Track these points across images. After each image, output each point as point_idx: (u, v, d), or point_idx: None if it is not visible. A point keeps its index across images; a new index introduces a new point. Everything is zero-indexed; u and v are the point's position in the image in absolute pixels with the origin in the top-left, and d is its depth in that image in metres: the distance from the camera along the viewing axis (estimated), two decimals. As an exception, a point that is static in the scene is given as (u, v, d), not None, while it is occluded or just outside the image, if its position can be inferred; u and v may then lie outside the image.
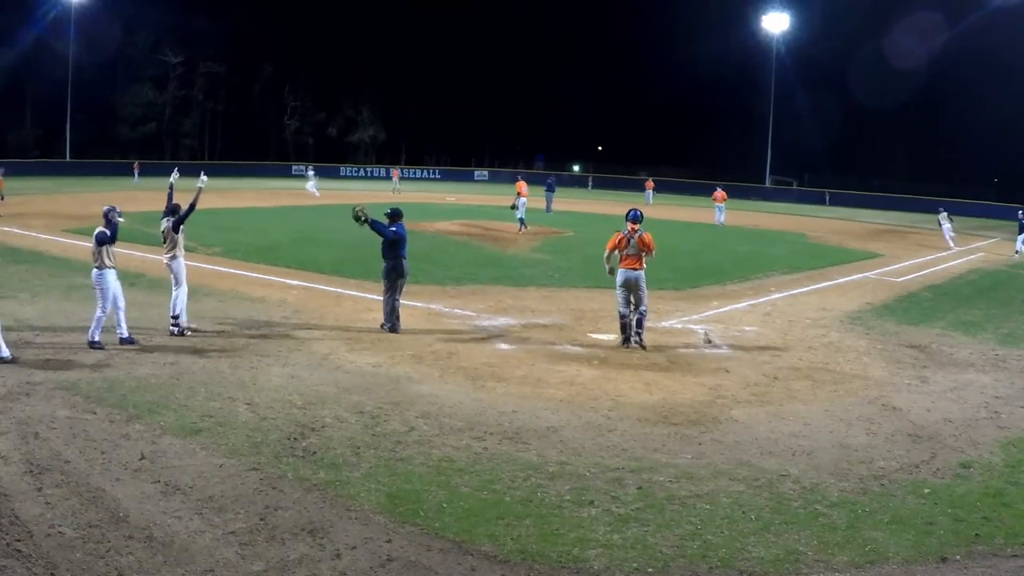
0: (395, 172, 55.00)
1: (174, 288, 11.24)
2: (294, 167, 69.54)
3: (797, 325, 13.63)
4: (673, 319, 13.67)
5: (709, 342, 11.99)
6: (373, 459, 6.94)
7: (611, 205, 41.45)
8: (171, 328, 11.07)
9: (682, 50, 67.64)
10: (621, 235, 11.60)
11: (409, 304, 12.74)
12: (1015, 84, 57.82)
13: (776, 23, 63.81)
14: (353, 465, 6.79)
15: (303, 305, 13.46)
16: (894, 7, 61.85)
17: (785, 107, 64.44)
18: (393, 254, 11.87)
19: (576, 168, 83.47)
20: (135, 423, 7.52)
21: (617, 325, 11.77)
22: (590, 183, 67.70)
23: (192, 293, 11.96)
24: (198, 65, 71.57)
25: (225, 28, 67.46)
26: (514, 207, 28.31)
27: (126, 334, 10.40)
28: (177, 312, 11.14)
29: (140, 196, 29.67)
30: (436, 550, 5.45)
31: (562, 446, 7.45)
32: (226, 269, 16.16)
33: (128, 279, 10.77)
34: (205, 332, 11.27)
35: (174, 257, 11.34)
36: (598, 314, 13.39)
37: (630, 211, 11.84)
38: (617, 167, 74.80)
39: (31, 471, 6.37)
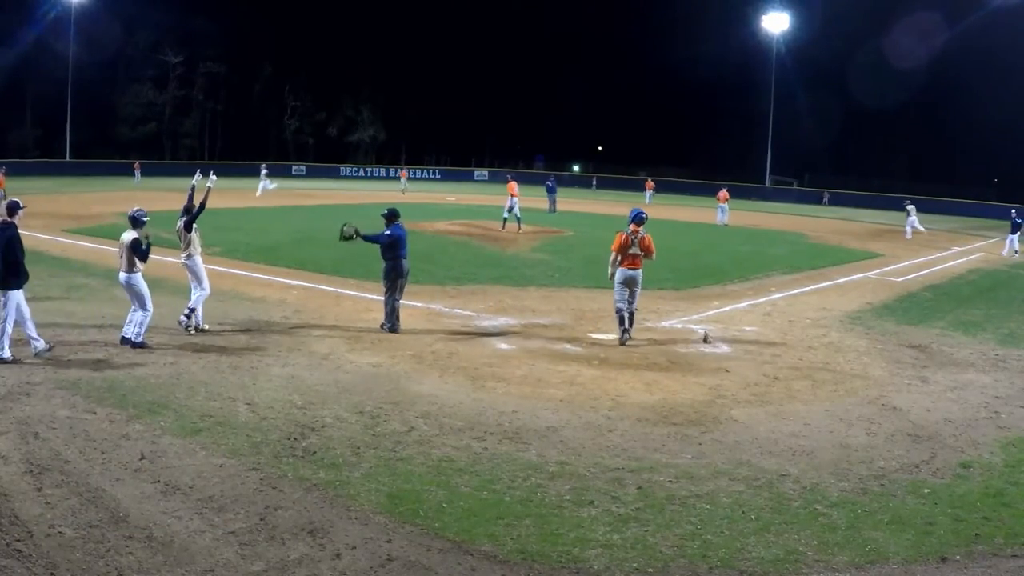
0: (403, 173, 54.95)
1: (196, 289, 11.35)
2: (294, 167, 69.61)
3: (797, 325, 13.63)
4: (673, 319, 13.67)
5: (709, 342, 11.99)
6: (373, 459, 6.94)
7: (611, 205, 41.49)
8: (181, 318, 11.17)
9: (682, 50, 67.75)
10: (625, 235, 11.89)
11: (409, 304, 12.74)
12: (1015, 84, 57.85)
13: (776, 23, 63.81)
14: (353, 465, 6.79)
15: (303, 305, 13.46)
16: (894, 7, 61.87)
17: (785, 107, 64.46)
18: (392, 255, 11.87)
19: (576, 168, 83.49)
20: (135, 423, 7.52)
21: (617, 330, 11.90)
22: (594, 183, 67.55)
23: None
24: (198, 65, 71.57)
25: (225, 28, 67.47)
26: (510, 208, 28.23)
27: (132, 338, 10.30)
28: (194, 307, 11.26)
29: (141, 196, 29.65)
30: (436, 550, 5.45)
31: (562, 446, 7.44)
32: (226, 269, 16.14)
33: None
34: (205, 332, 11.27)
35: (190, 256, 11.43)
36: (598, 314, 13.38)
37: (635, 212, 12.09)
38: (617, 167, 74.83)
39: (31, 471, 6.37)
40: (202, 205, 11.47)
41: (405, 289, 12.11)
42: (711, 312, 14.47)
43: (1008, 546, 5.82)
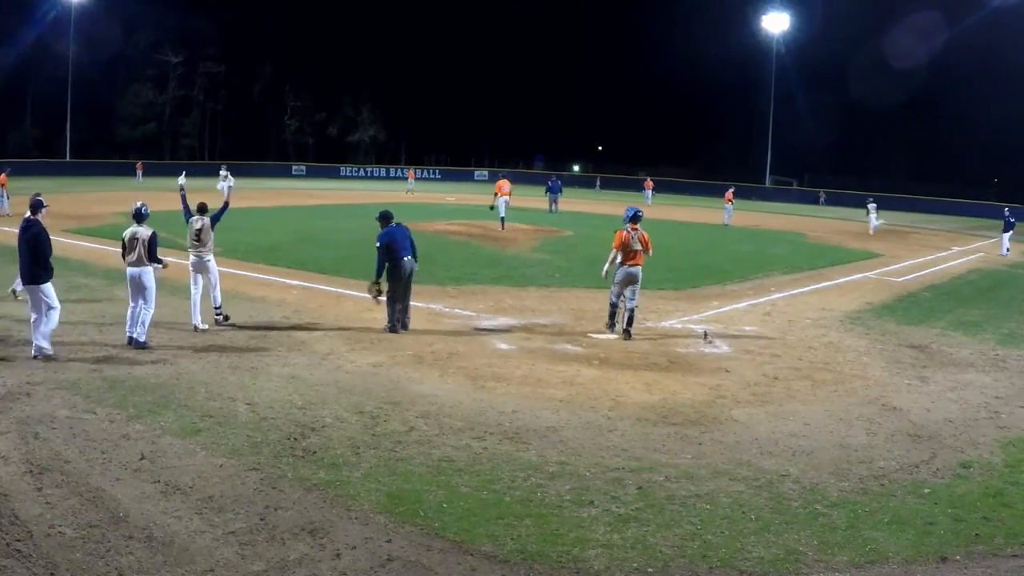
0: (410, 173, 54.88)
1: (213, 284, 11.76)
2: (294, 167, 69.63)
3: (797, 325, 13.63)
4: (673, 319, 13.67)
5: (709, 342, 11.99)
6: (373, 459, 6.94)
7: (613, 205, 41.45)
8: (217, 318, 11.72)
9: (682, 50, 67.71)
10: (625, 233, 12.14)
11: (410, 304, 12.70)
12: (1015, 84, 57.87)
13: (776, 23, 63.82)
14: (353, 465, 6.79)
15: (303, 305, 13.46)
16: (894, 7, 61.89)
17: (785, 107, 64.46)
18: (389, 257, 11.81)
19: (576, 168, 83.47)
20: (135, 423, 7.52)
21: (607, 321, 12.38)
22: (598, 183, 67.33)
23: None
24: (198, 65, 71.57)
25: (225, 28, 67.53)
26: (492, 207, 28.36)
27: (143, 339, 10.33)
28: (220, 304, 11.83)
29: (141, 197, 29.60)
30: (436, 550, 5.45)
31: (562, 446, 7.44)
32: (226, 269, 16.08)
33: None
34: (207, 331, 11.28)
35: (209, 254, 11.79)
36: (598, 314, 13.37)
37: (632, 211, 12.40)
38: (617, 167, 74.83)
39: (31, 471, 6.37)
40: (226, 204, 12.25)
41: (409, 291, 11.93)
42: (711, 312, 14.47)
43: (1008, 546, 5.83)
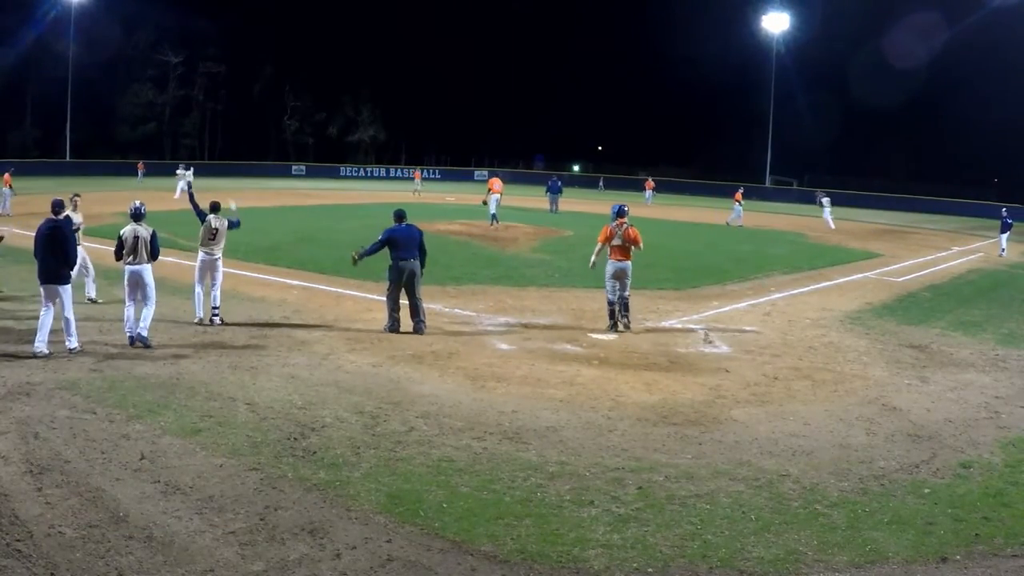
0: (416, 174, 54.76)
1: (215, 284, 11.85)
2: (294, 167, 69.64)
3: (797, 325, 13.63)
4: (673, 319, 13.67)
5: (709, 342, 11.99)
6: (373, 459, 6.94)
7: (606, 205, 41.42)
8: (213, 318, 11.72)
9: (682, 50, 67.73)
10: (609, 228, 12.51)
11: (404, 303, 12.65)
12: (1015, 84, 57.86)
13: (776, 23, 63.77)
14: (353, 465, 6.79)
15: (303, 305, 13.46)
16: (894, 7, 61.88)
17: (785, 107, 64.44)
18: (393, 255, 11.82)
19: (576, 168, 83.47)
20: (135, 423, 7.52)
21: (607, 320, 12.54)
22: (601, 184, 67.18)
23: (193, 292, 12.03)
24: (198, 65, 71.59)
25: (225, 28, 67.52)
26: (484, 203, 28.97)
27: (145, 334, 10.45)
28: (219, 304, 11.86)
29: (142, 197, 29.62)
30: (436, 550, 5.45)
31: (562, 446, 7.44)
32: (226, 269, 16.04)
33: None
34: (206, 331, 11.28)
35: (221, 251, 12.03)
36: (598, 314, 13.37)
37: (617, 207, 12.84)
38: (617, 167, 74.81)
39: (31, 471, 6.37)
40: (239, 221, 12.49)
41: (416, 292, 11.79)
42: (711, 312, 14.47)
43: (1008, 546, 5.82)
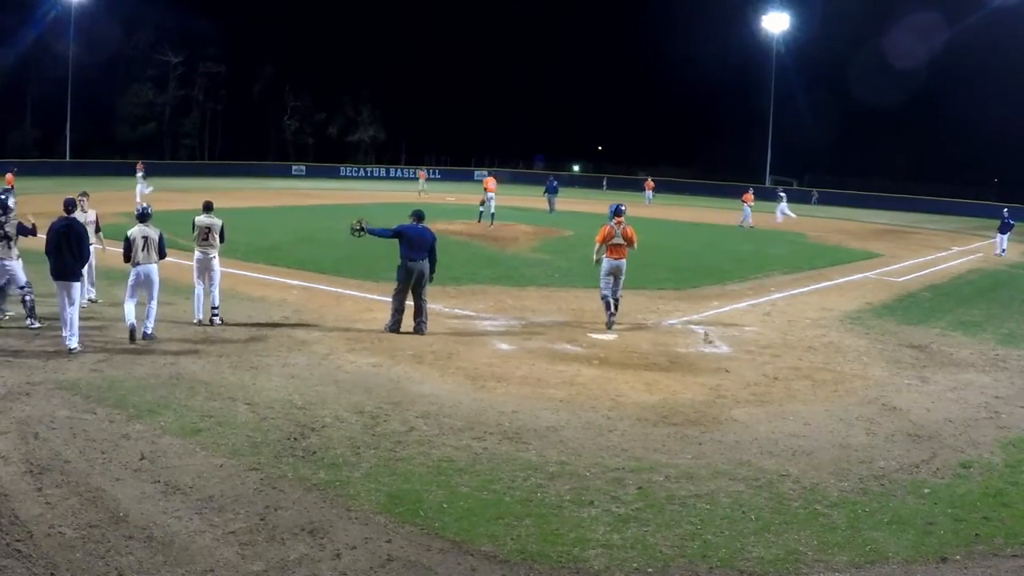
0: (421, 174, 54.66)
1: (213, 284, 11.83)
2: (294, 167, 69.63)
3: (797, 325, 13.63)
4: (673, 319, 13.67)
5: (709, 342, 11.99)
6: (373, 459, 6.94)
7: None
8: (213, 318, 11.71)
9: (682, 50, 67.67)
10: (608, 227, 12.69)
11: (410, 304, 12.68)
12: (1015, 84, 57.83)
13: (776, 23, 63.75)
14: (353, 465, 6.79)
15: (303, 305, 13.46)
16: (894, 7, 61.88)
17: (785, 107, 64.42)
18: (403, 254, 11.75)
19: (576, 168, 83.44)
20: (135, 423, 7.52)
21: (604, 315, 12.75)
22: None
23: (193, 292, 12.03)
24: (198, 65, 71.53)
25: (225, 28, 67.45)
26: (482, 203, 29.20)
27: (149, 331, 10.74)
28: (218, 304, 11.85)
29: (143, 202, 29.68)
30: (436, 550, 5.45)
31: (562, 446, 7.44)
32: (226, 269, 16.05)
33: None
34: (206, 331, 11.28)
35: (216, 251, 11.97)
36: (598, 314, 13.37)
37: (615, 206, 13.10)
38: (617, 167, 74.77)
39: (31, 471, 6.37)
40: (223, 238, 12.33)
41: (422, 294, 11.78)
42: (711, 312, 14.47)
43: (1008, 546, 5.83)
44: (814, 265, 22.29)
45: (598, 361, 10.63)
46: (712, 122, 73.97)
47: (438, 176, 72.38)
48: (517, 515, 6.00)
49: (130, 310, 10.67)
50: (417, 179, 54.01)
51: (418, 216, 12.09)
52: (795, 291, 17.48)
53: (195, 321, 11.63)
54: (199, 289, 11.83)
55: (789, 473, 7.01)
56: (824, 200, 57.87)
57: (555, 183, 38.67)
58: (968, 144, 62.42)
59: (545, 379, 9.62)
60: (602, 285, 12.79)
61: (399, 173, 73.08)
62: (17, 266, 10.95)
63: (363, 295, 14.52)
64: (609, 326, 12.53)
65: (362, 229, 12.25)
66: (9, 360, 9.38)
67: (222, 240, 12.10)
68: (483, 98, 79.63)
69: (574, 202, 42.07)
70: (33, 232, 11.20)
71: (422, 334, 11.51)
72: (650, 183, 52.10)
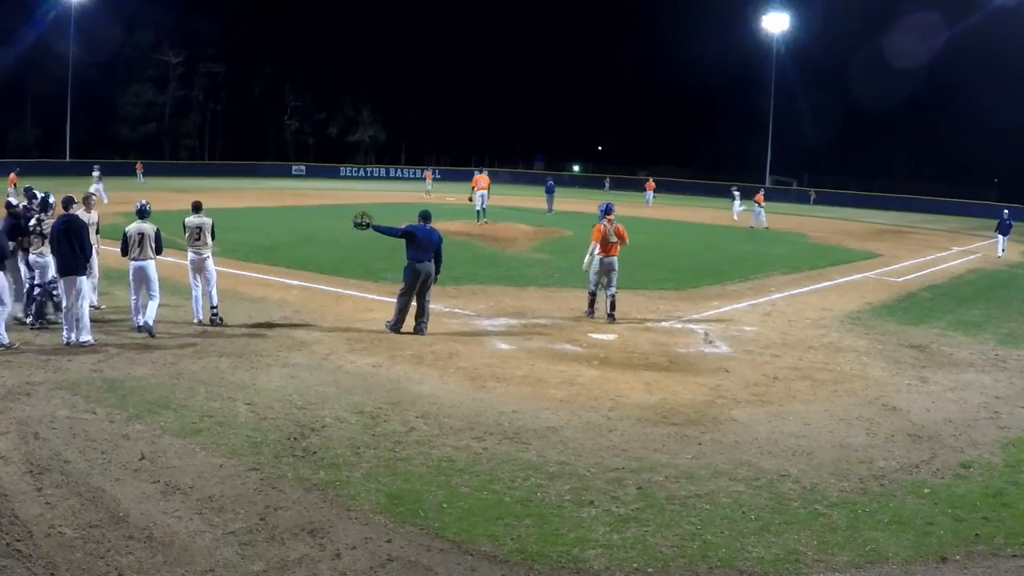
0: (428, 174, 54.60)
1: (210, 284, 11.82)
2: (294, 167, 69.64)
3: (797, 325, 13.63)
4: (673, 319, 13.67)
5: (709, 342, 11.99)
6: (373, 459, 6.94)
7: (617, 206, 41.39)
8: (213, 318, 11.71)
9: (682, 50, 67.76)
10: (603, 227, 13.13)
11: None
12: (1015, 84, 57.86)
13: (776, 23, 63.79)
14: (353, 465, 6.79)
15: (303, 305, 13.46)
16: (894, 7, 61.91)
17: (785, 107, 64.46)
18: (409, 255, 11.73)
19: (576, 168, 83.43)
20: (135, 423, 7.52)
21: (586, 308, 13.43)
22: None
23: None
24: (198, 65, 71.60)
25: (225, 28, 67.49)
26: (470, 199, 29.77)
27: (151, 324, 10.93)
28: (216, 304, 11.82)
29: (140, 196, 29.60)
30: (436, 550, 5.45)
31: (562, 446, 7.44)
32: (226, 269, 16.12)
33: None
34: (206, 331, 11.28)
35: (208, 251, 11.95)
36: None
37: (606, 206, 13.57)
38: (618, 167, 74.78)
39: (31, 471, 6.36)
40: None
41: (426, 295, 11.79)
42: (711, 312, 14.47)
43: (1008, 546, 5.82)
44: (814, 265, 22.29)
45: (598, 361, 10.62)
46: (712, 122, 74.00)
47: (438, 176, 72.43)
48: (517, 515, 6.00)
49: (135, 306, 11.05)
50: (424, 179, 53.99)
51: (425, 217, 12.10)
52: (795, 291, 17.48)
53: (195, 321, 11.65)
54: (196, 291, 11.84)
55: (789, 473, 7.01)
56: (824, 200, 57.91)
57: (551, 183, 38.86)
58: (968, 144, 62.44)
59: (545, 379, 9.62)
60: (591, 281, 13.29)
61: (399, 173, 73.09)
62: (50, 262, 11.06)
63: (363, 295, 14.52)
64: (590, 313, 13.22)
65: (366, 224, 12.20)
66: (9, 360, 9.38)
67: (213, 238, 12.03)
68: (483, 98, 79.63)
69: (574, 202, 42.04)
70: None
71: (422, 334, 11.52)
72: (651, 184, 52.10)
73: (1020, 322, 15.03)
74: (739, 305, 15.38)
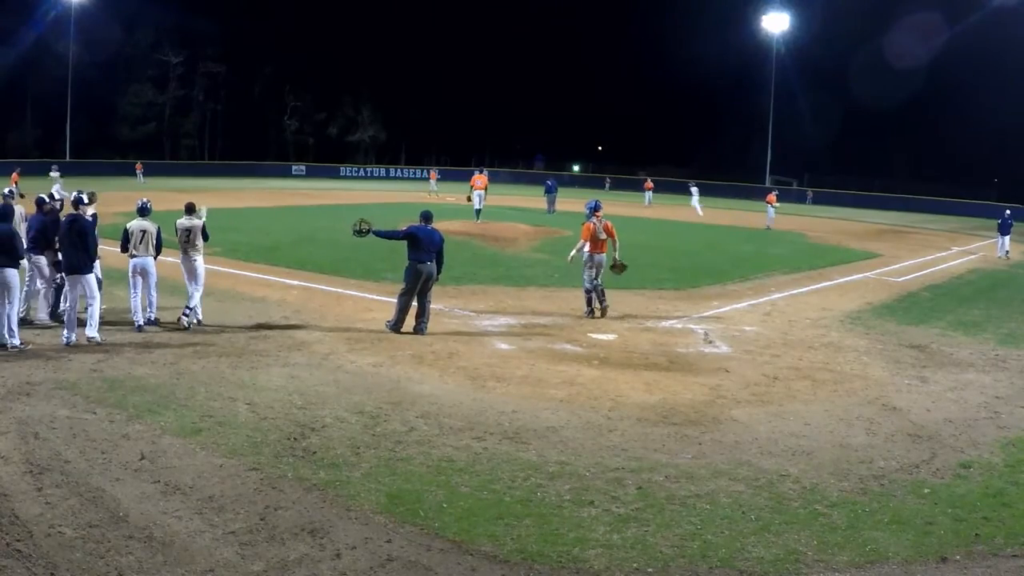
0: (432, 174, 54.56)
1: (197, 285, 11.65)
2: (294, 167, 69.62)
3: (797, 325, 13.63)
4: (673, 319, 13.67)
5: (709, 342, 11.99)
6: (373, 459, 6.94)
7: (617, 205, 41.42)
8: (183, 316, 11.46)
9: (682, 50, 67.80)
10: (592, 225, 13.35)
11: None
12: (1015, 84, 57.89)
13: (776, 23, 63.78)
14: (353, 465, 6.79)
15: (303, 305, 13.45)
16: (894, 7, 61.91)
17: (785, 107, 64.47)
18: (411, 255, 11.71)
19: (576, 168, 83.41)
20: (135, 423, 7.52)
21: (584, 309, 13.48)
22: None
23: (192, 293, 12.05)
24: (198, 65, 71.61)
25: (225, 28, 67.51)
26: (468, 199, 29.99)
27: (153, 317, 11.25)
28: (193, 305, 11.61)
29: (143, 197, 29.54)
30: (436, 550, 5.45)
31: (562, 446, 7.44)
32: (226, 269, 16.14)
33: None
34: (206, 331, 11.28)
35: (199, 253, 11.81)
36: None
37: (593, 204, 13.79)
38: (618, 167, 74.78)
39: (31, 471, 6.36)
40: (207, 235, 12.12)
41: (427, 295, 11.79)
42: (711, 312, 14.47)
43: (1008, 546, 5.82)
44: (814, 265, 22.29)
45: (598, 361, 10.62)
46: (712, 122, 73.99)
47: (438, 176, 72.40)
48: (517, 515, 6.00)
49: (135, 305, 11.15)
50: (429, 179, 54.00)
51: (427, 217, 12.10)
52: (795, 291, 17.48)
53: (195, 322, 11.63)
54: (192, 290, 11.74)
55: (789, 473, 7.01)
56: (824, 200, 57.90)
57: (552, 183, 38.88)
58: (968, 144, 62.43)
59: (545, 379, 9.62)
60: (585, 278, 13.39)
61: (399, 173, 73.04)
62: None
63: (363, 295, 14.52)
64: (590, 313, 13.27)
65: (366, 231, 12.16)
66: (9, 360, 9.38)
67: (206, 239, 11.84)
68: (483, 98, 79.62)
69: (574, 202, 42.05)
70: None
71: (422, 335, 11.52)
72: (649, 184, 52.09)
73: (1020, 322, 15.03)
74: (739, 305, 15.38)
